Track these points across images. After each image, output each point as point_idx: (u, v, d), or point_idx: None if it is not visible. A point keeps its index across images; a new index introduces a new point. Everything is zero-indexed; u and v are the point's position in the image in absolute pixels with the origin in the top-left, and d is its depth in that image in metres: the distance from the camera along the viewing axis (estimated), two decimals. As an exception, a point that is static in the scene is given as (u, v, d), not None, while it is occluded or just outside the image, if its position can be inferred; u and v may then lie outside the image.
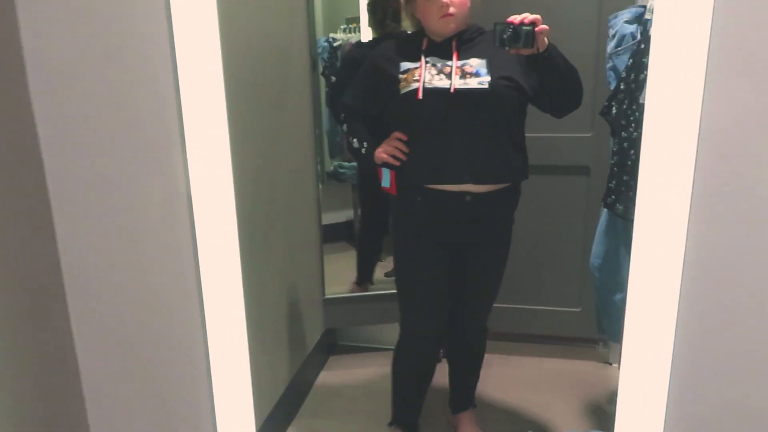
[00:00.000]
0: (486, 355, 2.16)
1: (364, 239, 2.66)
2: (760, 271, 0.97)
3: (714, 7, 0.91)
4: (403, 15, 1.95)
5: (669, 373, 1.00)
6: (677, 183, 0.97)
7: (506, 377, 2.39)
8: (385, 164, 1.75)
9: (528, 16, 1.52)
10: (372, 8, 2.35)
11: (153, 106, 0.95)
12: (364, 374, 2.47)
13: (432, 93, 1.64)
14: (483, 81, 1.62)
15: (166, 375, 1.07)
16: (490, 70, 1.64)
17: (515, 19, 1.53)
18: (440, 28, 1.67)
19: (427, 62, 1.68)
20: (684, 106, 0.95)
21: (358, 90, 1.82)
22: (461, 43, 1.69)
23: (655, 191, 1.01)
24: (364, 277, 2.63)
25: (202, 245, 0.97)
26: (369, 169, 1.84)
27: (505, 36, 1.53)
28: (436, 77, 1.65)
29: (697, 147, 0.95)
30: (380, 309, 2.52)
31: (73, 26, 0.92)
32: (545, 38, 1.56)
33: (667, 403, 1.01)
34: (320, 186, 2.43)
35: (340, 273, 2.53)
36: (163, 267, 1.01)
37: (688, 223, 0.98)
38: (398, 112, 1.72)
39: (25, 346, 0.95)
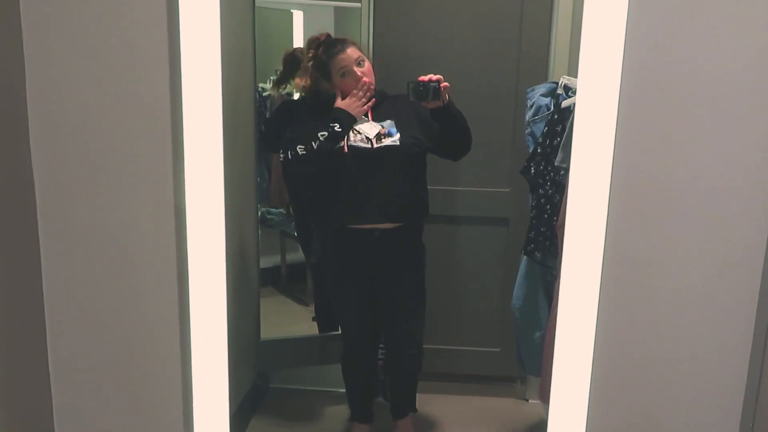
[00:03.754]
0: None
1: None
2: (662, 313, 1.21)
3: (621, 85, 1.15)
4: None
5: (588, 389, 1.20)
6: (593, 239, 1.19)
7: (432, 415, 2.53)
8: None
9: (433, 76, 1.94)
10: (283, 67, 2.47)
11: (147, 118, 1.02)
12: (298, 414, 2.54)
13: (355, 149, 2.01)
14: (395, 139, 2.03)
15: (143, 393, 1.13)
16: (399, 129, 2.04)
17: (424, 78, 1.94)
18: None
19: None
20: (597, 167, 1.17)
21: (296, 131, 2.05)
22: (373, 108, 2.06)
23: (576, 242, 1.22)
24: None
25: (192, 261, 1.07)
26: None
27: (418, 91, 1.94)
28: (359, 136, 2.02)
29: (609, 206, 1.18)
30: (313, 351, 2.63)
31: (72, 34, 0.99)
32: (446, 94, 1.96)
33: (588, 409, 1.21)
34: (259, 231, 2.53)
35: (269, 317, 2.60)
36: (147, 278, 1.08)
37: (602, 267, 1.20)
38: (327, 164, 2.04)
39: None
